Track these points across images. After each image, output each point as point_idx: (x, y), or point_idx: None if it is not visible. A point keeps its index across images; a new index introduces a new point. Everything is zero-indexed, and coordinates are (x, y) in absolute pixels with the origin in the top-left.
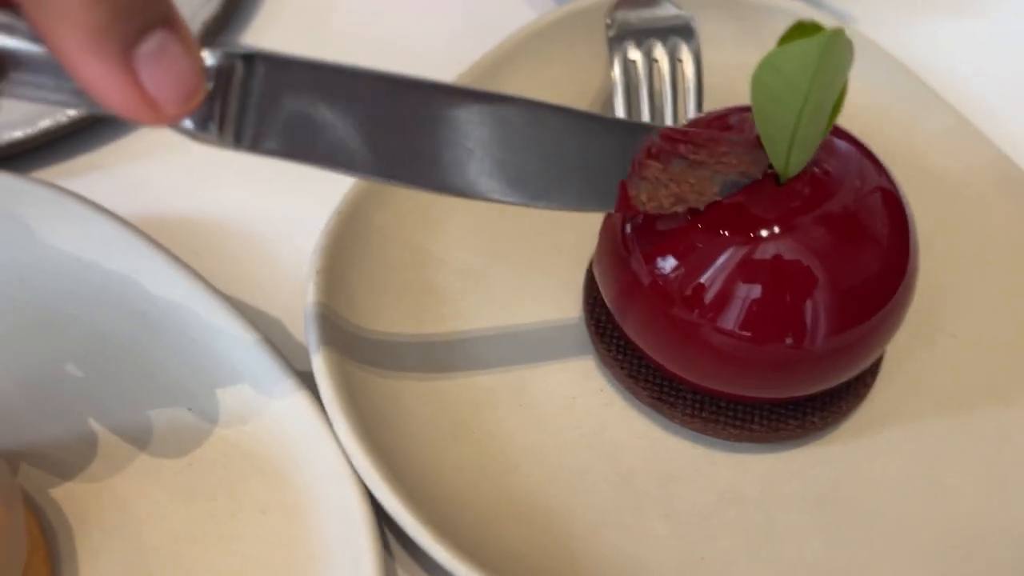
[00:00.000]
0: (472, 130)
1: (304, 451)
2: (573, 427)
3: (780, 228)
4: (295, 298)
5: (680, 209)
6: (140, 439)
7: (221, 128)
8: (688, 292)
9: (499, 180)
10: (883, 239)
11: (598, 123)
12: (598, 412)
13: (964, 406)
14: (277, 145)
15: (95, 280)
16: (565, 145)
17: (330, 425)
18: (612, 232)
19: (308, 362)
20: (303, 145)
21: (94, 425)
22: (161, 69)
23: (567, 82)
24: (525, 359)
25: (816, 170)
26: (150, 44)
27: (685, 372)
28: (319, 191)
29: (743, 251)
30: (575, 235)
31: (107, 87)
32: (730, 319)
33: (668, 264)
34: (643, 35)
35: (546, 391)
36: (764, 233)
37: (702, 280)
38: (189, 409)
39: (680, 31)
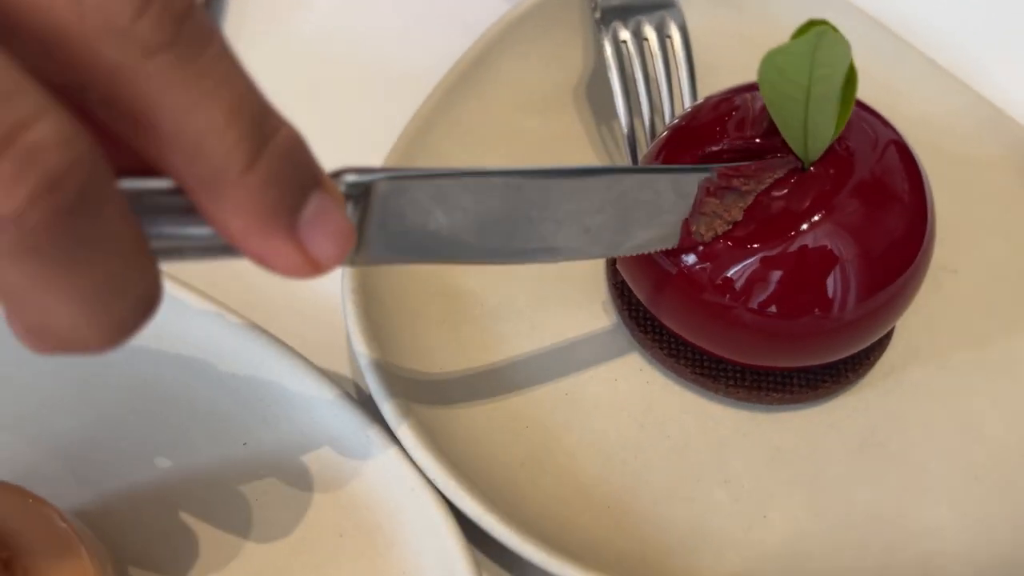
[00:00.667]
0: (561, 203)
1: (371, 468)
2: (620, 409)
3: (809, 211)
4: (324, 315)
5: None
6: (201, 481)
7: (356, 249)
8: (728, 285)
9: (584, 241)
10: (905, 198)
11: (663, 174)
12: (642, 391)
13: (975, 337)
14: (404, 254)
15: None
16: (636, 199)
17: (393, 439)
18: None
19: (349, 379)
20: (426, 249)
21: (157, 475)
22: (322, 231)
23: (552, 67)
24: (562, 348)
25: (836, 148)
26: (310, 210)
27: (730, 355)
28: None
29: (776, 238)
30: None
31: (275, 259)
32: (772, 304)
33: (702, 260)
34: (628, 13)
35: (588, 378)
36: (794, 219)
37: (739, 271)
38: (244, 444)
39: (663, 4)
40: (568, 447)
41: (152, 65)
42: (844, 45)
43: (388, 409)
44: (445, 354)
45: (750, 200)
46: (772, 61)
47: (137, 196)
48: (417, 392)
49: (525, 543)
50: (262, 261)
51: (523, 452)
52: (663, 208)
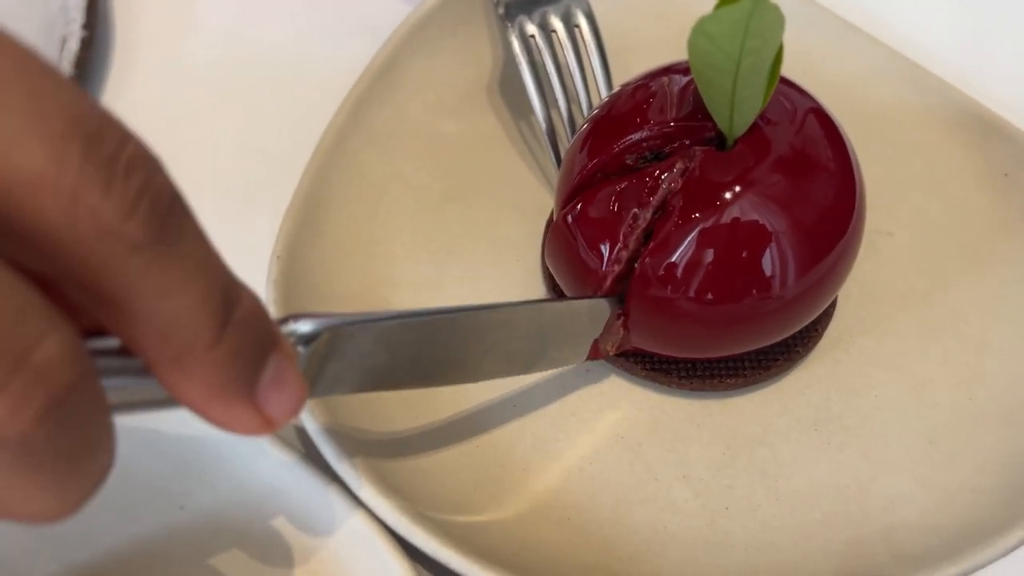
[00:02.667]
0: (490, 334)
1: (319, 518)
2: (570, 414)
3: (739, 190)
4: None
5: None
6: (138, 553)
7: None
8: (672, 279)
9: (504, 363)
10: (831, 166)
11: (582, 303)
12: (590, 393)
13: (917, 298)
14: (344, 387)
15: None
16: (555, 325)
17: (340, 485)
18: (568, 238)
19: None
20: (363, 382)
21: (90, 555)
22: (279, 393)
23: (464, 67)
24: None
25: (759, 122)
26: (268, 373)
27: (686, 353)
28: (249, 238)
29: (711, 224)
30: (522, 223)
31: (233, 424)
32: (717, 290)
33: (648, 255)
34: (532, 5)
35: (534, 386)
36: (726, 200)
37: (681, 262)
38: (182, 508)
39: None
40: (521, 461)
41: (137, 259)
42: (777, 16)
43: (329, 450)
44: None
45: None
46: (703, 29)
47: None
48: (358, 424)
49: (487, 572)
50: (219, 425)
51: (476, 473)
52: (577, 331)
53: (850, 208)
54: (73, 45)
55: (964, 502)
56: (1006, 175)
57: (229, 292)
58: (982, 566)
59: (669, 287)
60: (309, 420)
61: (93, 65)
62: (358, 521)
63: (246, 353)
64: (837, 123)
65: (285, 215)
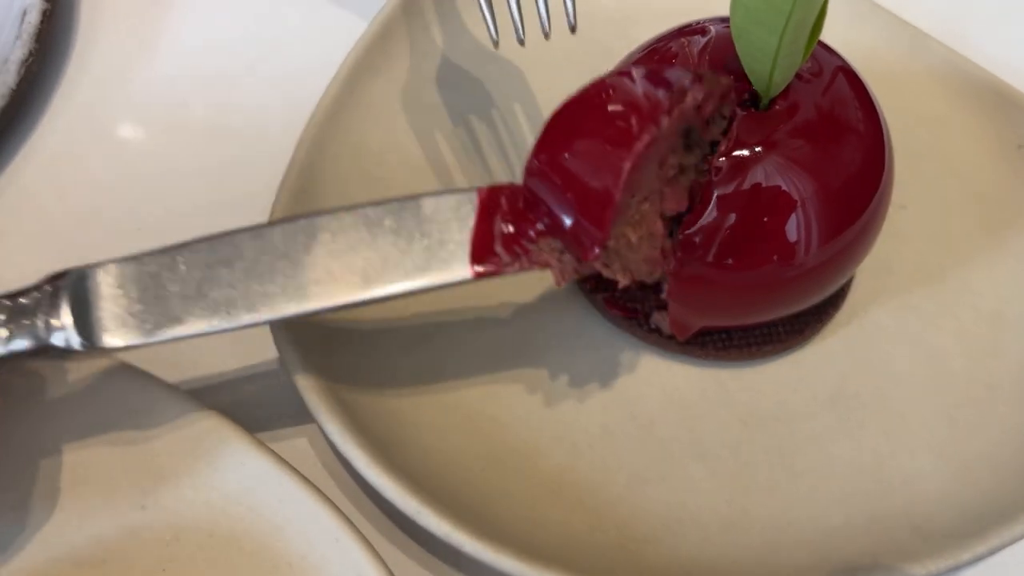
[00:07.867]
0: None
1: (290, 519)
2: (580, 393)
3: (782, 151)
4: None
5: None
6: (96, 557)
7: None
8: (727, 246)
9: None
10: (864, 125)
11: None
12: (600, 371)
13: (931, 272)
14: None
15: None
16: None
17: (311, 487)
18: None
19: (257, 413)
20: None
21: (46, 559)
22: None
23: (458, 35)
24: (511, 336)
25: (796, 83)
26: None
27: (729, 320)
28: (231, 217)
29: (757, 186)
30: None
31: None
32: (771, 253)
33: (701, 230)
34: None
35: (540, 365)
36: (769, 160)
37: (735, 229)
38: (143, 508)
39: None
40: (530, 440)
41: None
42: None
43: (335, 431)
44: (387, 358)
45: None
46: None
47: None
48: (363, 409)
49: (499, 555)
50: None
51: (484, 453)
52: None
53: (881, 162)
54: (33, 18)
55: (984, 476)
56: (1019, 147)
57: None
58: (1009, 543)
59: (717, 253)
60: (314, 403)
61: (56, 38)
62: (330, 522)
63: None
64: (862, 79)
65: (280, 187)
